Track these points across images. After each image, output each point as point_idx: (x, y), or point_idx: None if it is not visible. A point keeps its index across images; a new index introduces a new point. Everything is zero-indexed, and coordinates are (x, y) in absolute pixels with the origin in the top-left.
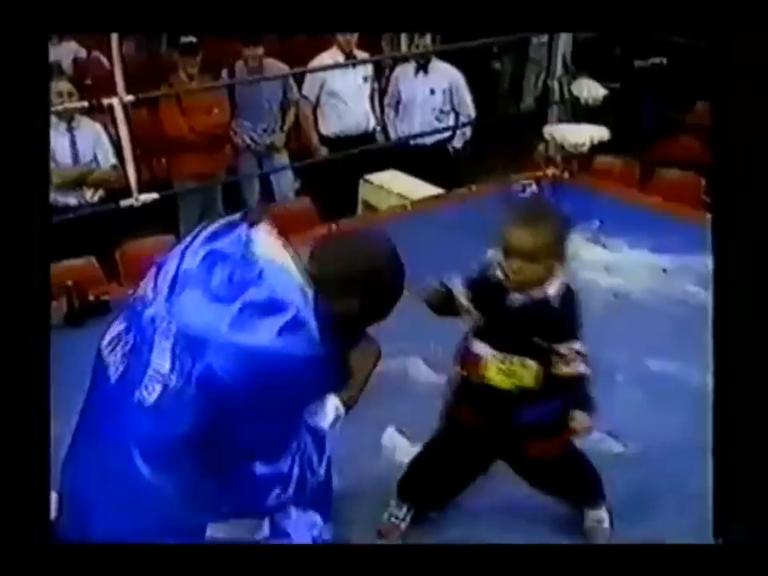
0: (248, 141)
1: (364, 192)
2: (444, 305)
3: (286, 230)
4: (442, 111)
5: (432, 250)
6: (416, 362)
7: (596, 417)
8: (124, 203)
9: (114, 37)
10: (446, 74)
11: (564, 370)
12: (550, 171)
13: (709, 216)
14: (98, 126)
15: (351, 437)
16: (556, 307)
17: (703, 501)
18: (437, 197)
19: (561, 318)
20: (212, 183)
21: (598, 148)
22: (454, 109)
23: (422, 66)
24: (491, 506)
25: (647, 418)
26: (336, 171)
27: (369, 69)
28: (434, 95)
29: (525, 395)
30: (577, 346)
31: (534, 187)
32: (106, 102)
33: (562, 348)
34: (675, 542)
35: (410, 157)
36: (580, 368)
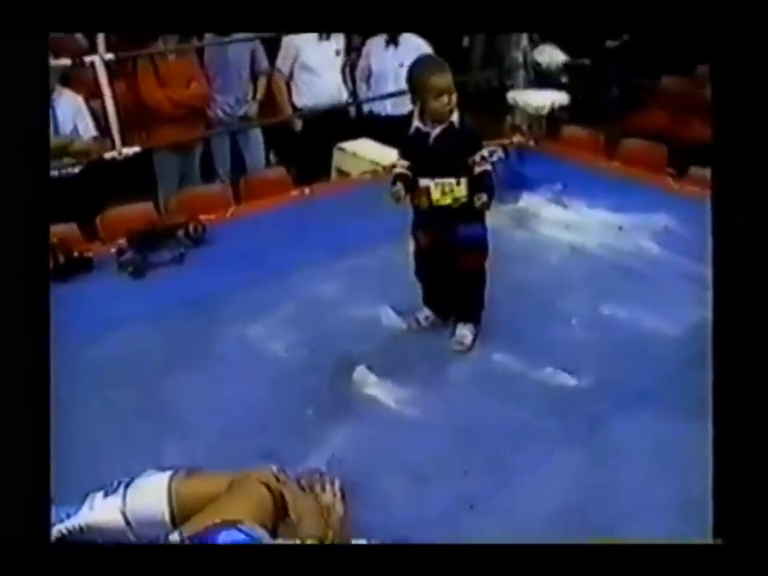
0: (221, 114)
1: (337, 159)
2: (408, 183)
3: (261, 196)
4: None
5: (403, 210)
6: (386, 309)
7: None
8: (107, 155)
9: None
10: (415, 47)
11: (477, 170)
12: (516, 139)
13: (669, 179)
14: (78, 98)
15: (328, 371)
16: (460, 128)
17: (647, 413)
18: None
19: (467, 134)
20: (187, 152)
21: (564, 118)
22: None
23: (393, 40)
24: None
25: (599, 356)
26: (310, 141)
27: (341, 42)
28: (404, 68)
29: (461, 214)
30: (483, 152)
31: (501, 153)
32: (87, 59)
33: (476, 156)
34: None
35: (382, 128)
36: (487, 167)
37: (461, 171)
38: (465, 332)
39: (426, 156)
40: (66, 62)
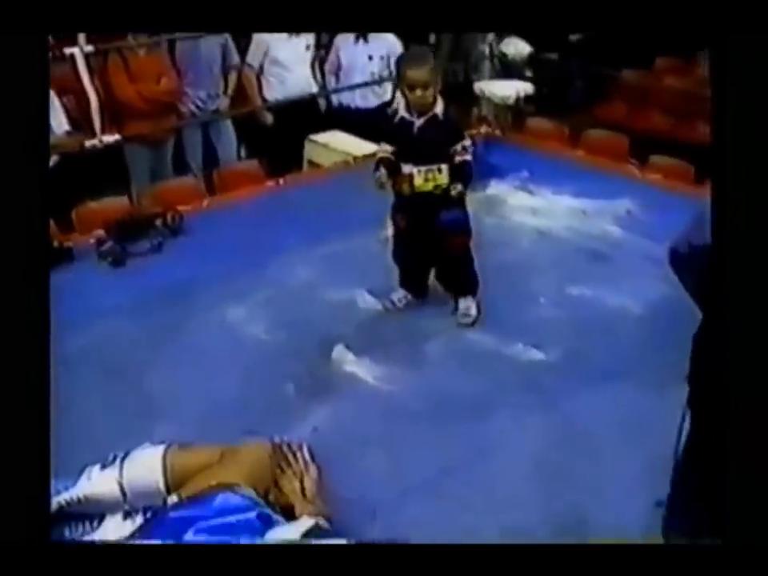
0: (193, 108)
1: (309, 151)
2: (392, 168)
3: (234, 188)
4: (381, 77)
5: (375, 199)
6: (362, 293)
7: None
8: (88, 143)
9: None
10: (384, 42)
11: (458, 159)
12: (483, 129)
13: (631, 167)
14: (50, 93)
15: (307, 352)
16: (444, 119)
17: (612, 385)
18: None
19: (450, 125)
20: (159, 146)
21: (529, 110)
22: (392, 75)
23: (362, 34)
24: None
25: (566, 332)
26: (281, 134)
27: (310, 38)
28: (372, 61)
29: (443, 200)
30: (465, 142)
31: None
32: (67, 51)
33: (457, 146)
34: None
35: (352, 120)
36: (467, 157)
37: (442, 159)
38: (468, 304)
39: (409, 144)
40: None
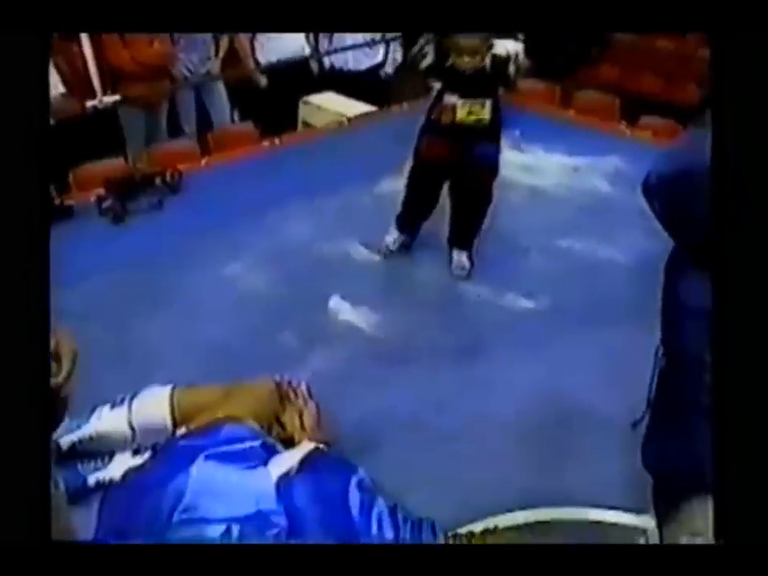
0: (185, 71)
1: (303, 112)
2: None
3: (229, 149)
4: (373, 40)
5: (367, 158)
6: (355, 244)
7: None
8: (89, 104)
9: None
10: None
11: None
12: None
13: (620, 126)
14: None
15: (304, 303)
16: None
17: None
18: (371, 113)
19: (497, 65)
20: (153, 109)
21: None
22: (384, 37)
23: None
24: None
25: (555, 282)
26: (275, 96)
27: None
28: None
29: (481, 134)
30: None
31: None
32: None
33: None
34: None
35: (344, 82)
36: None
37: (486, 94)
38: (462, 258)
39: (455, 75)
40: None
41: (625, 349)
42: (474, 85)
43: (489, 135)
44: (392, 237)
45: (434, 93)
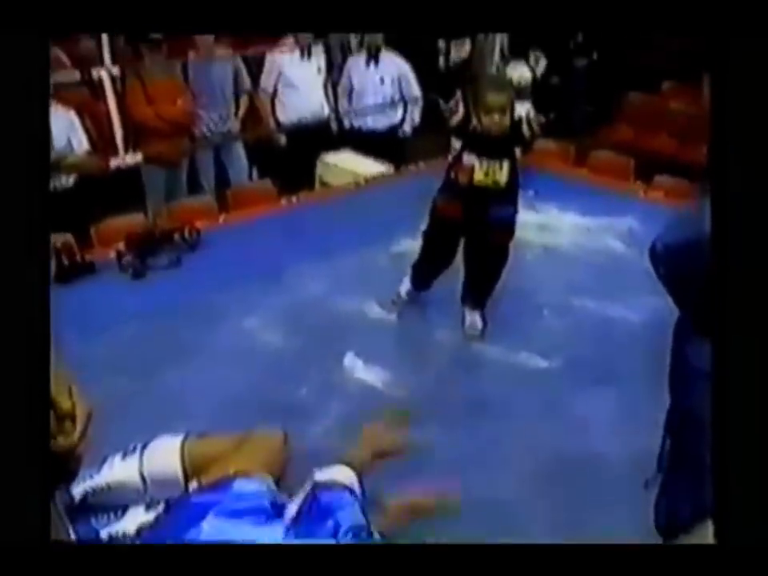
0: (205, 130)
1: (321, 171)
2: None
3: (247, 207)
4: (392, 100)
5: (383, 217)
6: (370, 303)
7: None
8: (113, 163)
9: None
10: (394, 65)
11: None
12: None
13: (634, 186)
14: (71, 113)
15: (321, 360)
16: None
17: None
18: (388, 174)
19: (513, 127)
20: (174, 167)
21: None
22: (403, 97)
23: (373, 57)
24: None
25: (568, 341)
26: (293, 155)
27: (322, 61)
28: (384, 84)
29: (498, 195)
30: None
31: None
32: (95, 73)
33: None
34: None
35: (363, 141)
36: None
37: (505, 154)
38: (475, 318)
39: (478, 135)
40: (73, 75)
41: (636, 406)
42: (493, 145)
43: (505, 197)
44: (405, 287)
45: (454, 152)
